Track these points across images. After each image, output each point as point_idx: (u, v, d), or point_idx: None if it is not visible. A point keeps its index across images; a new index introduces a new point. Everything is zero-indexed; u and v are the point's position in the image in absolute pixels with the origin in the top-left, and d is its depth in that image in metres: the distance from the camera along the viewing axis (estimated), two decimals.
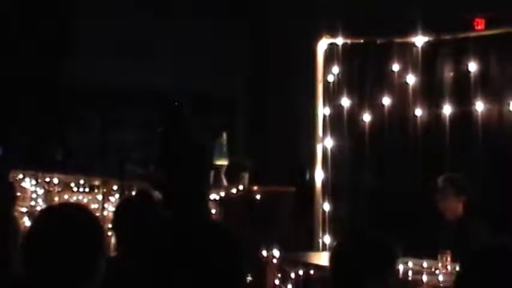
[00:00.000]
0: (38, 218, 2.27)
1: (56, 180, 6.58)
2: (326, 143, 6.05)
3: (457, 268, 4.26)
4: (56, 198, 6.50)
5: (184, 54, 9.78)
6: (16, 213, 5.36)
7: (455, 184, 4.99)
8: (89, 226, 2.18)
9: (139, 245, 3.35)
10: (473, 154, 5.49)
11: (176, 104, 6.27)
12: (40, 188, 6.64)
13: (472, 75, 5.52)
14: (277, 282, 5.07)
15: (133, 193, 5.90)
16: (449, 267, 4.50)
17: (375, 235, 3.01)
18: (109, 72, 9.70)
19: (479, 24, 5.61)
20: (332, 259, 3.00)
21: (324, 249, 5.83)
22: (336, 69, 6.05)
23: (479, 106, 5.48)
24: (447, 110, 5.62)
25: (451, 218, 5.03)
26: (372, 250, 2.93)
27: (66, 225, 2.16)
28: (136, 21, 9.81)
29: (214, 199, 5.81)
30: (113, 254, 3.60)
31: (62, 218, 2.20)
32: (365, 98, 6.02)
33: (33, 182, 6.67)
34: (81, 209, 2.30)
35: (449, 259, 4.51)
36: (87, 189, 6.39)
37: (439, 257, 4.54)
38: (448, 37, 5.66)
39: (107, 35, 9.84)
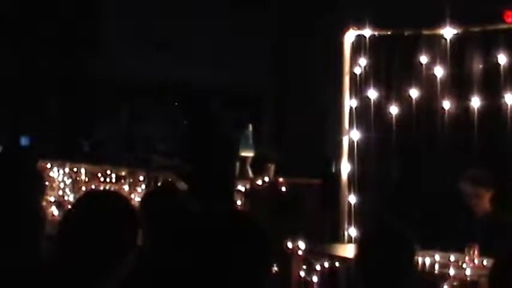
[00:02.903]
0: (78, 202, 2.28)
1: (83, 170, 6.64)
2: (352, 135, 6.02)
3: (487, 262, 4.25)
4: (84, 188, 6.56)
5: (209, 50, 9.82)
6: (45, 203, 5.41)
7: (474, 180, 4.98)
8: (126, 214, 2.19)
9: (164, 236, 3.36)
10: (503, 147, 5.43)
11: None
12: (68, 178, 6.71)
13: (501, 67, 5.46)
14: (302, 274, 5.07)
15: (159, 184, 5.93)
16: (476, 261, 4.46)
17: (399, 227, 3.01)
18: (137, 66, 9.77)
19: (510, 16, 5.54)
20: (357, 251, 3.00)
21: (349, 241, 5.82)
22: (363, 61, 6.01)
23: (509, 99, 5.41)
24: (476, 102, 5.56)
25: (480, 213, 5.01)
26: (395, 242, 2.92)
27: (103, 211, 2.17)
28: (164, 16, 9.85)
29: (240, 190, 5.81)
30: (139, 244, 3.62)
31: (101, 204, 2.21)
32: (392, 90, 5.98)
33: (61, 171, 6.74)
34: (120, 197, 2.31)
35: (476, 252, 4.48)
36: (114, 180, 6.43)
37: (466, 250, 4.50)
38: (477, 29, 5.59)
39: (135, 29, 9.90)
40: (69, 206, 6.65)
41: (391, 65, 5.99)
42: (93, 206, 2.19)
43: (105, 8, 10.06)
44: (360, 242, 3.10)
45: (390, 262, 2.88)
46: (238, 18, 9.91)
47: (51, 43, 9.77)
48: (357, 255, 3.04)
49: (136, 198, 6.11)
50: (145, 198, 3.72)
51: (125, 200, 2.30)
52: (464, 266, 4.42)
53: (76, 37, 9.96)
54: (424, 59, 5.80)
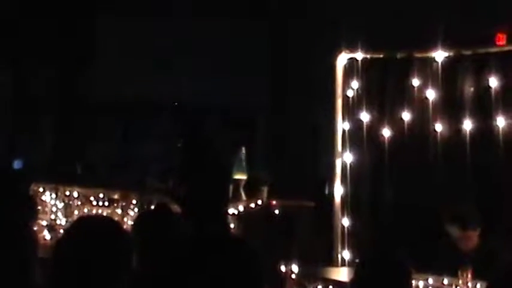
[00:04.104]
0: (71, 228, 2.28)
1: (75, 194, 6.61)
2: (345, 158, 6.03)
3: (480, 285, 4.24)
4: (76, 212, 6.53)
5: (204, 70, 9.84)
6: (37, 227, 5.38)
7: (463, 224, 4.91)
8: (119, 240, 2.20)
9: (157, 259, 3.35)
10: (494, 170, 5.45)
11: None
12: (60, 202, 6.67)
13: (492, 90, 5.49)
14: None
15: (153, 207, 5.91)
16: (470, 284, 4.45)
17: (395, 253, 3.01)
18: (129, 85, 9.77)
19: (501, 39, 5.58)
20: (354, 277, 3.01)
21: (343, 264, 5.80)
22: (355, 84, 6.04)
23: (500, 121, 5.44)
24: (467, 125, 5.58)
25: (469, 249, 4.96)
26: (392, 270, 2.93)
27: (97, 237, 2.18)
28: (158, 33, 9.87)
29: (233, 213, 5.80)
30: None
31: (94, 230, 2.21)
32: (385, 112, 6.01)
33: (53, 195, 6.71)
34: (113, 223, 2.32)
35: (470, 276, 4.47)
36: (106, 203, 6.41)
37: (459, 273, 4.49)
38: (468, 52, 5.63)
39: (128, 48, 9.91)
40: (62, 230, 6.63)
41: (384, 88, 6.02)
42: (86, 232, 2.19)
43: (102, 26, 10.07)
44: (357, 269, 3.10)
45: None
46: (238, 38, 9.94)
47: (46, 63, 9.77)
48: (353, 281, 3.04)
49: (129, 222, 6.09)
50: (138, 220, 3.71)
51: (118, 226, 2.31)
52: None
53: (72, 56, 9.97)
54: (416, 81, 5.83)
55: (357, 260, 5.32)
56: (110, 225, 2.26)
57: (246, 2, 9.71)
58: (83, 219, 2.52)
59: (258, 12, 9.72)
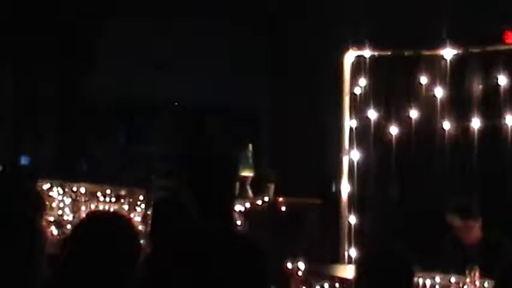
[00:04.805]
0: (81, 224, 2.29)
1: (82, 190, 6.63)
2: (352, 156, 6.02)
3: (488, 284, 4.23)
4: (83, 208, 6.54)
5: (206, 69, 9.86)
6: (44, 222, 5.40)
7: (463, 214, 4.93)
8: (130, 235, 2.21)
9: (165, 251, 3.37)
10: (502, 168, 5.43)
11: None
12: (67, 198, 6.69)
13: (501, 88, 5.47)
14: None
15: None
16: (477, 283, 4.44)
17: (398, 250, 3.01)
18: (131, 85, 9.81)
19: (509, 37, 5.57)
20: (356, 274, 3.01)
21: (349, 261, 5.80)
22: (363, 81, 6.03)
23: (509, 119, 5.42)
24: (476, 123, 5.57)
25: (472, 242, 4.97)
26: (394, 266, 2.92)
27: (107, 233, 2.18)
28: (158, 37, 9.89)
29: (240, 210, 5.81)
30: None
31: (105, 226, 2.22)
32: (392, 110, 6.00)
33: (61, 191, 6.72)
34: (122, 218, 2.33)
35: (477, 274, 4.46)
36: (113, 199, 6.42)
37: (467, 272, 4.48)
38: (477, 50, 5.62)
39: (134, 48, 9.94)
40: (69, 226, 6.63)
41: (391, 86, 6.01)
42: (97, 227, 2.20)
43: (104, 27, 10.10)
44: (359, 265, 3.09)
45: (388, 285, 2.88)
46: (239, 37, 9.95)
47: (50, 62, 9.80)
48: (356, 278, 3.04)
49: (136, 218, 6.10)
50: (154, 208, 3.77)
51: (128, 221, 2.32)
52: (465, 287, 4.40)
53: (74, 56, 10.01)
54: (424, 79, 5.81)
55: (359, 257, 5.33)
56: (120, 221, 2.27)
57: (246, 2, 9.71)
58: (93, 215, 2.53)
59: (257, 13, 9.72)
